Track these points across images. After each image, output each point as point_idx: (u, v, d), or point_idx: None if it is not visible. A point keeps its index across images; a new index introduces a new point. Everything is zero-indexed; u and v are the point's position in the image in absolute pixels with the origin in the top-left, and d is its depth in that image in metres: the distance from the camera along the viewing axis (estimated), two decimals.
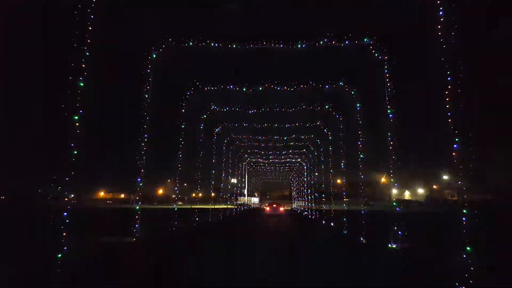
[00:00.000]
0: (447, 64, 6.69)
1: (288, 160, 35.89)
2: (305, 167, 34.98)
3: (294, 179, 52.17)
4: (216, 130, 19.94)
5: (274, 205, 38.52)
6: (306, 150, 29.11)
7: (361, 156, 12.33)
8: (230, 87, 12.78)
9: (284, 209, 42.06)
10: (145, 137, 9.59)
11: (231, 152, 27.07)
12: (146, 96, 9.76)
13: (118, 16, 7.48)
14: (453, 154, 6.69)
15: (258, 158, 35.73)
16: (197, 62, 10.84)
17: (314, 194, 26.93)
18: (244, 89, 13.05)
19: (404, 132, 9.78)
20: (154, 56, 9.92)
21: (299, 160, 35.71)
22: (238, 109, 16.33)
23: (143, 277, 6.74)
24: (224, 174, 23.86)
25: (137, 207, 9.66)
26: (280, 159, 34.88)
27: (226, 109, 16.60)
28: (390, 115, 9.19)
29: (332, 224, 18.23)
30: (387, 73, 9.47)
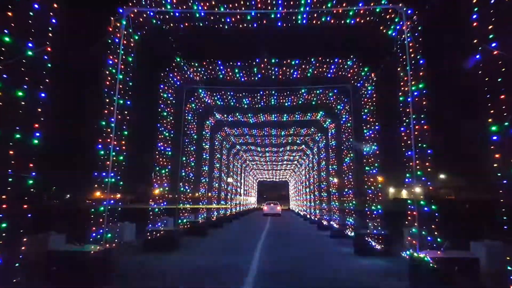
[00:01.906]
0: None
1: (285, 157, 34.24)
2: (303, 165, 33.44)
3: (292, 178, 51.18)
4: (207, 123, 18.02)
5: (272, 205, 40.24)
6: (305, 147, 27.41)
7: (374, 147, 10.56)
8: (218, 63, 10.85)
9: (282, 209, 42.45)
10: (111, 121, 7.70)
11: (225, 149, 25.23)
12: (113, 71, 7.87)
13: None
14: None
15: (254, 156, 34.08)
16: (177, 32, 8.92)
17: (314, 193, 25.20)
18: (236, 70, 11.20)
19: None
20: (124, 22, 8.04)
21: (297, 157, 34.15)
22: (231, 97, 14.44)
23: None
24: (218, 172, 22.00)
25: (101, 208, 7.77)
26: (277, 156, 33.23)
27: (217, 97, 14.70)
28: (416, 93, 7.36)
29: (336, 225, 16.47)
30: (410, 41, 7.65)
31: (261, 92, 13.59)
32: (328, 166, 18.53)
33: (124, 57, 8.11)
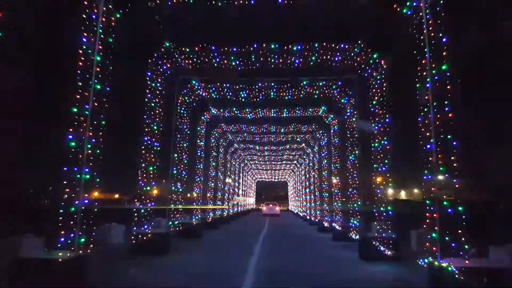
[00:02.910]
0: None
1: (285, 156, 33.28)
2: (303, 165, 32.53)
3: (291, 178, 50.40)
4: (203, 118, 16.97)
5: (271, 205, 40.75)
6: (305, 145, 26.43)
7: (384, 142, 9.52)
8: (212, 48, 9.77)
9: (281, 209, 42.74)
10: (86, 109, 6.67)
11: (222, 147, 24.23)
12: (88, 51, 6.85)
13: None
14: None
15: (252, 154, 33.12)
16: (165, 10, 7.89)
17: (314, 193, 24.20)
18: (233, 57, 10.16)
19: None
20: None
21: (297, 157, 33.21)
22: (227, 90, 13.36)
23: None
24: (214, 171, 21.00)
25: (73, 208, 6.72)
26: (276, 155, 32.26)
27: (212, 89, 13.64)
28: (436, 77, 6.36)
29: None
30: (429, 19, 6.66)
31: (260, 84, 12.54)
32: (330, 165, 17.51)
33: (103, 36, 7.13)
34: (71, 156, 6.45)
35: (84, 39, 6.67)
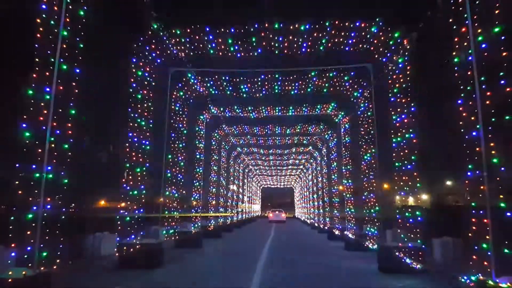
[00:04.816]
0: None
1: (291, 161, 31.91)
2: (310, 169, 31.16)
3: (297, 184, 49.29)
4: (201, 117, 15.65)
5: (277, 212, 41.64)
6: (312, 148, 25.05)
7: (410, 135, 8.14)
8: (206, 29, 8.44)
9: (287, 216, 43.65)
10: (47, 92, 5.43)
11: (224, 150, 22.95)
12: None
13: None
14: None
15: (257, 159, 31.80)
16: None
17: (323, 199, 22.74)
18: (230, 41, 8.87)
19: None
20: None
21: (303, 161, 31.83)
22: (226, 83, 12.02)
23: None
24: (216, 176, 19.68)
25: (30, 215, 5.40)
26: (282, 159, 30.91)
27: (210, 83, 12.34)
28: (484, 45, 5.03)
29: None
30: None
31: (263, 76, 11.26)
32: (341, 167, 16.09)
33: (70, 7, 5.91)
34: (25, 150, 5.15)
35: (44, 6, 5.41)
